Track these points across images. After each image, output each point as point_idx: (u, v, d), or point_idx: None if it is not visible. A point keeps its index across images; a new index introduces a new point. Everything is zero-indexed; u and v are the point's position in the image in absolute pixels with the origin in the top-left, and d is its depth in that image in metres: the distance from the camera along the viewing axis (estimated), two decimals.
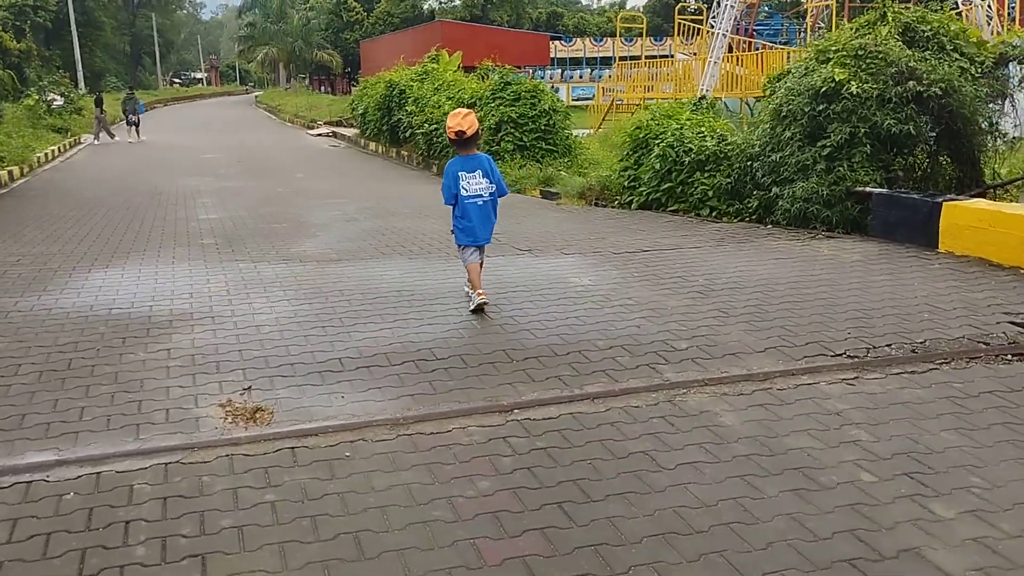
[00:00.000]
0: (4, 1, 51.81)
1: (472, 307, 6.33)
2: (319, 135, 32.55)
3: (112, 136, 29.85)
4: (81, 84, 48.79)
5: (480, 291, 6.38)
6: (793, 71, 10.50)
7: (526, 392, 4.80)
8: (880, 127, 9.21)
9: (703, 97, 13.69)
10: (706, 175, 11.30)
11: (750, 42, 26.11)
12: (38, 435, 4.35)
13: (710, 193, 11.14)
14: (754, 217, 10.44)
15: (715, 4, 29.33)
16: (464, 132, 6.29)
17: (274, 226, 10.90)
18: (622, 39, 45.98)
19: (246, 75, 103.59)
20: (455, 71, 24.58)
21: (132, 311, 6.54)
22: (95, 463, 4.04)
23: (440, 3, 68.65)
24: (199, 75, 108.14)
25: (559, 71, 49.36)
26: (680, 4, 32.96)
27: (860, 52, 9.59)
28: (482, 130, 17.66)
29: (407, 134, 22.39)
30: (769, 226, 9.83)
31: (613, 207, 12.86)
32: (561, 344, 5.54)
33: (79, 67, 49.83)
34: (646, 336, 5.65)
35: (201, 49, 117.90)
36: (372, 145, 26.23)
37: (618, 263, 7.89)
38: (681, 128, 12.04)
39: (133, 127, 30.19)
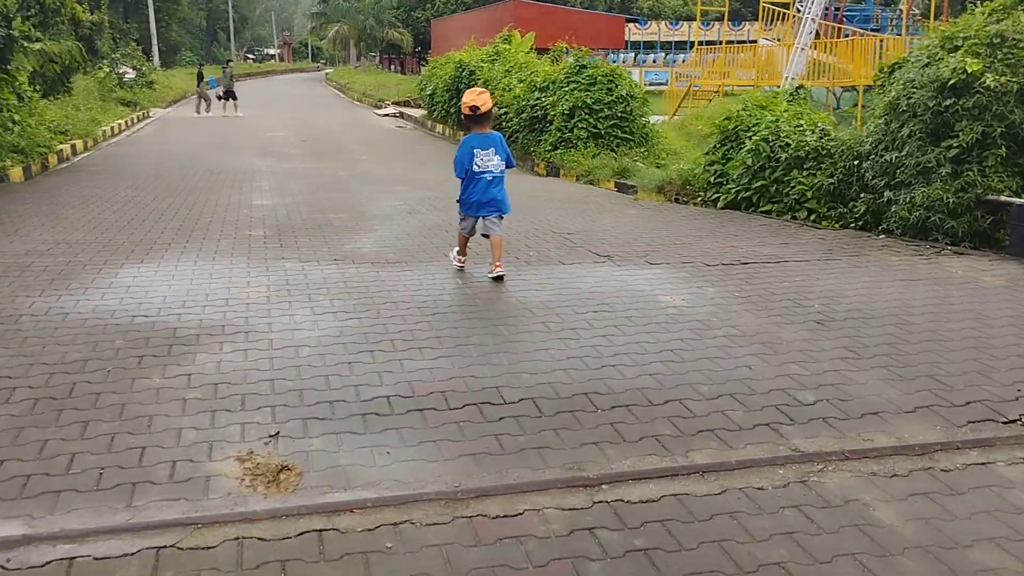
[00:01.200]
0: None
1: (454, 263, 7.24)
2: (386, 115, 31.76)
3: (209, 110, 29.70)
4: (156, 58, 48.80)
5: (462, 258, 7.23)
6: (912, 60, 9.23)
7: (616, 458, 3.78)
8: (1019, 127, 7.94)
9: (801, 87, 12.42)
10: (804, 174, 10.11)
11: (839, 28, 24.50)
12: (11, 493, 3.48)
13: (809, 194, 9.95)
14: (860, 224, 9.23)
15: None
16: (478, 107, 6.77)
17: (330, 216, 10.02)
18: (700, 23, 44.29)
19: (318, 52, 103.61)
20: (527, 52, 23.53)
21: (157, 320, 5.66)
22: (71, 541, 3.14)
23: None
24: (272, 51, 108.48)
25: (632, 55, 47.83)
26: None
27: (996, 40, 8.30)
28: (556, 115, 16.76)
29: None
30: (881, 236, 8.61)
31: (696, 204, 11.73)
32: (656, 388, 4.51)
33: (154, 41, 49.84)
34: (761, 382, 4.58)
35: (275, 25, 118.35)
36: (439, 127, 25.32)
37: (713, 277, 6.79)
38: (777, 121, 10.85)
39: (230, 100, 29.85)
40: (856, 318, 5.62)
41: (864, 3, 27.41)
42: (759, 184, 10.57)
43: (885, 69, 9.97)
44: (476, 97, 6.82)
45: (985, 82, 7.96)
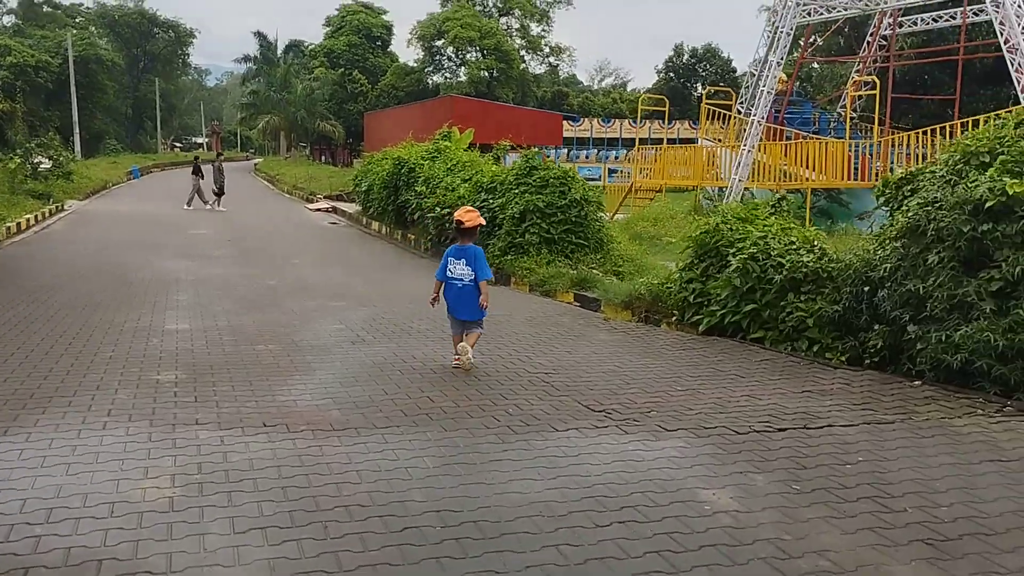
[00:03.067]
0: (4, 61, 49.88)
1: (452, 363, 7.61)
2: (318, 210, 30.18)
3: (205, 203, 28.56)
4: (77, 147, 46.56)
5: (456, 356, 7.61)
6: (928, 175, 8.09)
7: None
8: None
9: (783, 197, 11.30)
10: (803, 298, 8.83)
11: (780, 130, 24.02)
12: None
13: (809, 322, 8.65)
14: (876, 360, 7.93)
15: (743, 89, 27.40)
16: (463, 223, 7.56)
17: (258, 349, 8.32)
18: (631, 121, 44.23)
19: (247, 142, 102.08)
20: (467, 149, 22.37)
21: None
22: None
23: (445, 79, 67.28)
24: (200, 140, 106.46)
25: (565, 151, 47.53)
26: (709, 88, 31.13)
27: None
28: (505, 219, 15.43)
29: (415, 216, 20.01)
30: (917, 382, 7.25)
31: (672, 326, 10.37)
32: None
33: (76, 129, 47.66)
34: None
35: (204, 115, 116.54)
36: (375, 225, 23.84)
37: (754, 456, 5.26)
38: (765, 237, 9.62)
39: (216, 196, 29.08)
40: (977, 535, 4.13)
41: (802, 106, 27.17)
42: (749, 308, 9.25)
43: (891, 183, 8.84)
44: (465, 214, 7.68)
45: None
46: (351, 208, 28.07)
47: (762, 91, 21.71)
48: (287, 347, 8.42)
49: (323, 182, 37.67)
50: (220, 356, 7.93)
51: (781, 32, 21.66)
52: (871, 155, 22.35)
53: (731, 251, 9.95)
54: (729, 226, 10.33)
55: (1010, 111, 20.12)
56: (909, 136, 22.06)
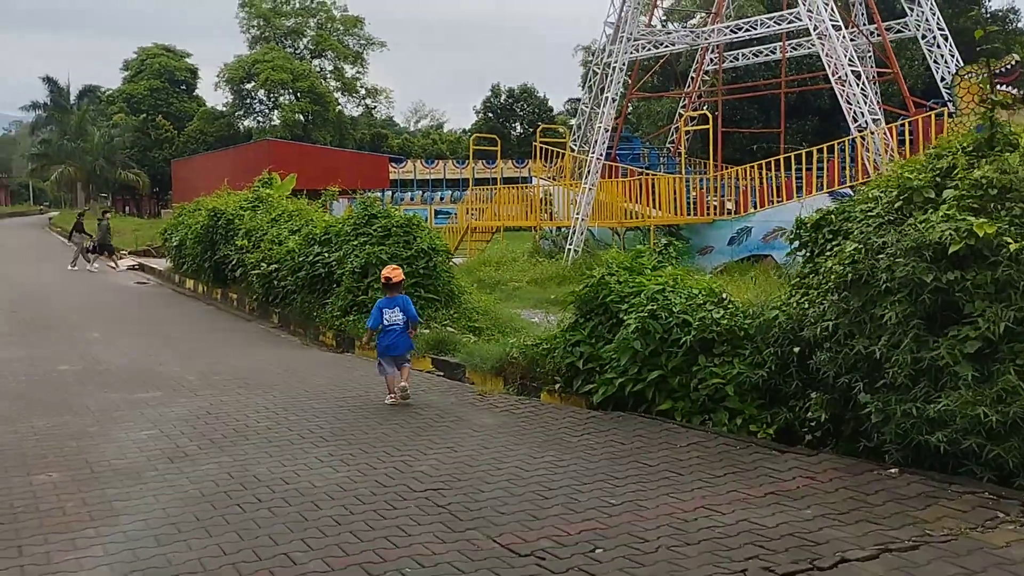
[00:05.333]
0: None
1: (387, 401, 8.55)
2: (123, 269, 26.83)
3: (88, 262, 25.72)
4: None
5: (392, 395, 8.58)
6: (860, 216, 6.89)
7: None
8: None
9: (670, 243, 9.99)
10: (716, 362, 7.46)
11: (614, 167, 23.31)
12: None
13: (728, 390, 7.27)
14: (816, 435, 6.61)
15: (575, 128, 26.62)
16: (391, 279, 8.95)
17: (36, 482, 6.00)
18: (454, 162, 43.06)
19: (41, 194, 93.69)
20: (289, 196, 20.15)
21: None
22: None
23: (258, 123, 63.98)
24: None
25: (390, 193, 45.74)
26: (542, 127, 30.20)
27: (992, 191, 6.10)
28: (344, 274, 13.49)
29: (237, 273, 17.59)
30: (894, 471, 5.89)
31: (556, 396, 8.82)
32: None
33: None
34: None
35: None
36: (190, 283, 21.14)
37: None
38: (663, 290, 8.22)
39: (105, 253, 26.38)
40: None
41: (631, 142, 26.71)
42: (655, 375, 7.77)
43: (806, 225, 7.63)
44: (391, 272, 9.04)
45: (1008, 249, 5.66)
46: (161, 265, 25.04)
47: (599, 128, 20.80)
48: (78, 475, 6.14)
49: (127, 236, 33.96)
50: None
51: (614, 68, 20.89)
52: (706, 190, 21.91)
53: (623, 307, 8.50)
54: (616, 278, 8.88)
55: (842, 141, 20.31)
56: (739, 171, 21.79)
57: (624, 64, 21.14)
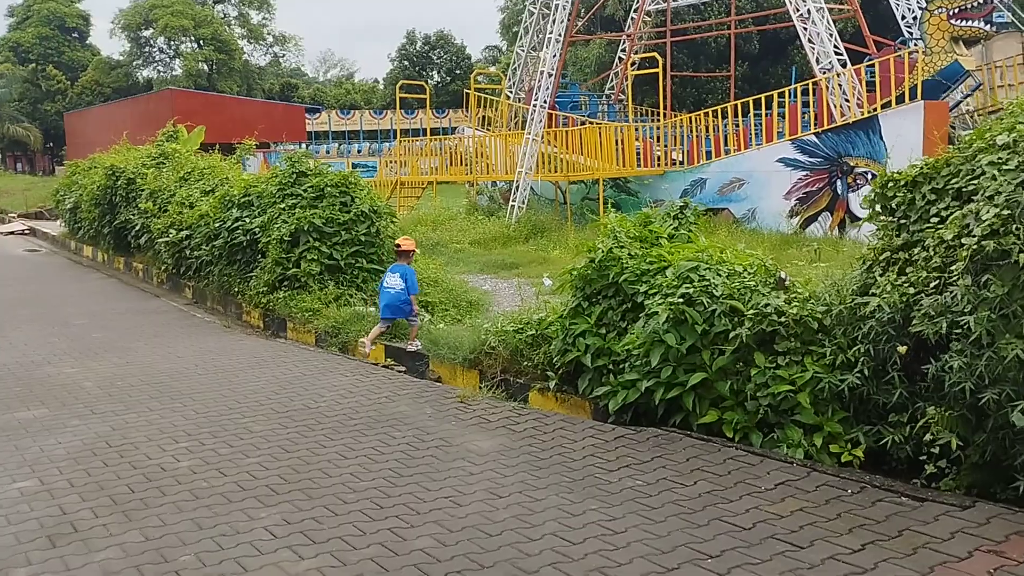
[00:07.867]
0: None
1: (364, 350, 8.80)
2: (12, 233, 23.71)
3: None
4: None
5: (371, 348, 8.83)
6: (991, 168, 5.10)
7: None
8: None
9: (685, 204, 8.09)
10: (785, 361, 5.68)
11: (552, 115, 21.28)
12: None
13: (802, 399, 5.49)
14: (938, 464, 4.90)
15: (510, 73, 24.40)
16: (399, 246, 9.47)
17: None
18: (371, 112, 40.33)
19: None
20: (201, 153, 17.54)
21: None
22: None
23: (158, 72, 59.41)
24: None
25: (304, 145, 42.76)
26: (476, 71, 27.73)
27: None
28: (270, 243, 11.27)
29: (142, 240, 15.09)
30: None
31: (552, 397, 6.99)
32: None
33: None
34: None
35: None
36: (88, 251, 18.46)
37: None
38: (696, 267, 6.36)
39: None
40: None
41: (570, 89, 24.69)
42: (698, 379, 5.93)
43: (892, 184, 5.80)
44: (403, 241, 9.62)
45: None
46: (55, 229, 22.07)
47: (543, 72, 18.68)
48: None
49: (18, 197, 30.48)
50: None
51: (558, 5, 18.75)
52: (655, 139, 20.11)
53: (640, 289, 6.63)
54: (629, 251, 6.98)
55: (805, 84, 18.75)
56: (691, 118, 20.04)
57: (568, 2, 19.01)
